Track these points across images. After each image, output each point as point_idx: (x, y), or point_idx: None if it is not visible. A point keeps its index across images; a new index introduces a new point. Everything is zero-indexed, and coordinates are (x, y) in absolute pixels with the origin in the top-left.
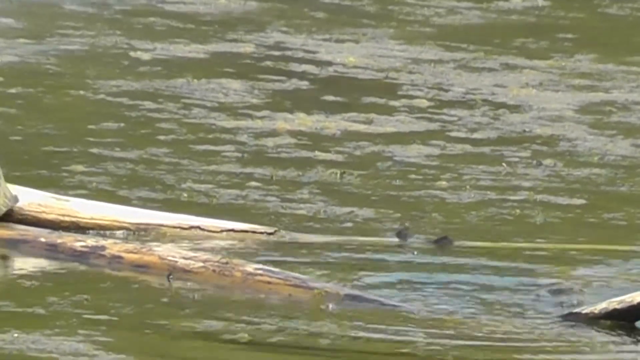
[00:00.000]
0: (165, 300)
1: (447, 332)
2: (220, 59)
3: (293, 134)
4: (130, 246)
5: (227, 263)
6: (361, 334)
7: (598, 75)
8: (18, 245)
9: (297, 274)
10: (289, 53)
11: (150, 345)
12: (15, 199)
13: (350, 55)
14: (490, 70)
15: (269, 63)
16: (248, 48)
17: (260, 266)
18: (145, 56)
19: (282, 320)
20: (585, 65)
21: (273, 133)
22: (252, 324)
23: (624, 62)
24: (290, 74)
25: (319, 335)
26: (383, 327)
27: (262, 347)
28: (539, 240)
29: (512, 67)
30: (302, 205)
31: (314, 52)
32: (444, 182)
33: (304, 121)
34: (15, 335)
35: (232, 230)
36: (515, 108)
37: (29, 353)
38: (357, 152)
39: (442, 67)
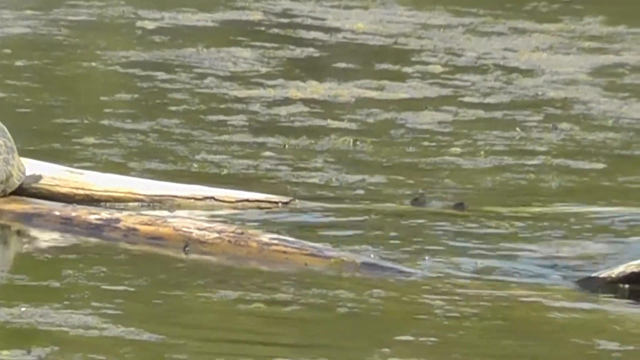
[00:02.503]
0: (180, 271)
1: (464, 298)
2: (228, 27)
3: (306, 102)
4: (145, 218)
5: (242, 233)
6: (378, 301)
7: (608, 38)
8: (32, 219)
9: (313, 243)
10: (297, 20)
11: (161, 317)
12: (38, 178)
13: (359, 21)
14: (500, 34)
15: (278, 30)
16: (256, 15)
17: (276, 236)
18: (153, 26)
19: (298, 290)
20: (595, 28)
21: (285, 102)
22: (268, 294)
23: (633, 24)
24: (300, 42)
25: (335, 304)
26: (400, 294)
27: (278, 317)
28: (555, 204)
29: (521, 31)
30: (314, 174)
31: (322, 19)
32: (457, 148)
33: (316, 89)
34: (23, 309)
35: (247, 200)
36: (527, 72)
37: (38, 327)
38: (370, 120)
39: (451, 32)
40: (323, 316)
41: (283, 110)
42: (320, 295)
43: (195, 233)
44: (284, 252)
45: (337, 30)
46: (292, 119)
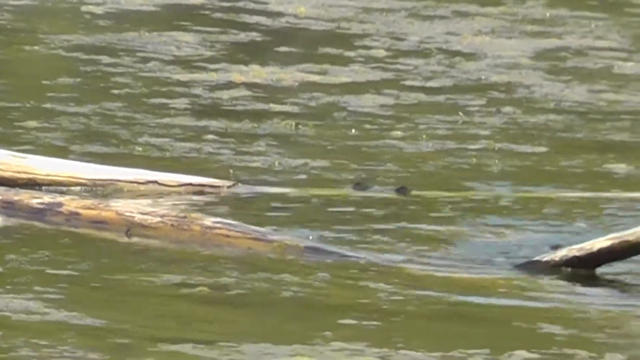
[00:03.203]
0: (123, 255)
1: (408, 282)
2: (171, 12)
3: (248, 86)
4: (87, 202)
5: (185, 217)
6: (322, 285)
7: (550, 21)
8: None
9: (256, 227)
10: (239, 4)
11: (104, 301)
12: None
13: (302, 5)
14: (442, 18)
15: (220, 15)
16: (198, 0)
17: (219, 220)
18: (96, 10)
19: (242, 273)
20: (538, 11)
21: (228, 85)
22: (212, 278)
23: (575, 7)
24: (243, 26)
25: (279, 287)
26: (343, 278)
27: (221, 300)
28: (497, 188)
29: (464, 15)
30: (257, 158)
31: (264, 3)
32: (399, 132)
33: (258, 73)
34: None
35: (190, 184)
36: (470, 56)
37: None
38: (312, 103)
39: (393, 16)
40: (267, 300)
41: (225, 94)
42: (264, 279)
43: (138, 217)
44: (227, 236)
45: (280, 14)
46: (234, 102)
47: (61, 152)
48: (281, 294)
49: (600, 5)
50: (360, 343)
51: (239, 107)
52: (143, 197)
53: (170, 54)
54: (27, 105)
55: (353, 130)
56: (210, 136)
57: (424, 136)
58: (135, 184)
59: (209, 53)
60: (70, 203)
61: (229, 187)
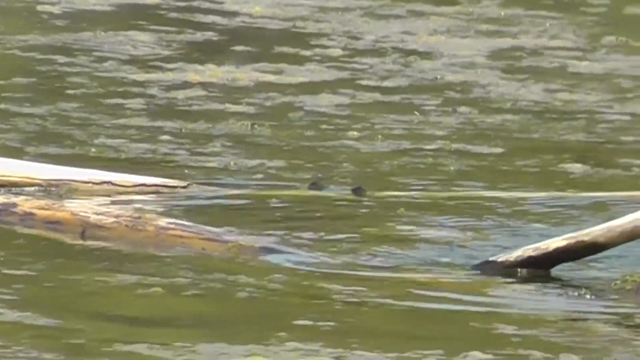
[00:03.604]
0: (78, 255)
1: (364, 283)
2: (126, 11)
3: (204, 85)
4: (42, 202)
5: (139, 218)
6: (277, 286)
7: (505, 21)
8: None
9: (210, 228)
10: (195, 4)
11: (59, 301)
12: None
13: (257, 4)
14: (398, 17)
15: (176, 14)
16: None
17: (173, 220)
18: (52, 9)
19: (197, 274)
20: (493, 11)
21: (183, 85)
22: (167, 278)
23: (530, 6)
24: (199, 26)
25: (234, 288)
26: (299, 279)
27: (177, 301)
28: (453, 188)
29: (419, 14)
30: (212, 158)
31: (220, 3)
32: (355, 132)
33: (214, 73)
34: None
35: (144, 184)
36: (425, 55)
37: None
38: (268, 103)
39: (349, 15)
40: (222, 300)
41: (181, 94)
42: (219, 279)
43: (93, 217)
44: (181, 236)
45: (235, 14)
46: (190, 102)
47: (16, 153)
48: (236, 295)
49: (555, 5)
50: (315, 343)
51: (195, 107)
52: (98, 197)
53: (127, 53)
54: None
55: (309, 131)
56: (165, 137)
57: (380, 136)
58: (90, 185)
59: (165, 53)
60: (24, 203)
61: (183, 187)
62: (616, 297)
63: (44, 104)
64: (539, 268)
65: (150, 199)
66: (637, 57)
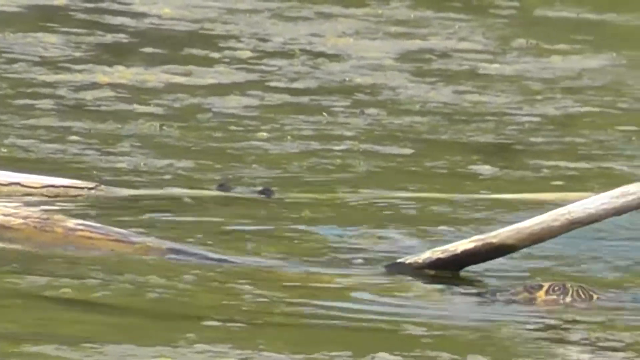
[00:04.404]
0: None
1: (272, 284)
2: (35, 13)
3: (113, 86)
4: None
5: (47, 219)
6: (187, 286)
7: (415, 23)
8: None
9: (118, 229)
10: (103, 5)
11: None
12: None
13: (166, 6)
14: (306, 19)
15: (84, 16)
16: (62, 0)
17: (81, 221)
18: None
19: (107, 275)
20: (402, 13)
21: (92, 86)
22: (77, 279)
23: (440, 8)
24: (108, 27)
25: (144, 289)
26: (209, 280)
27: (86, 302)
28: (361, 189)
29: (327, 16)
30: (121, 159)
31: (128, 4)
32: (264, 133)
33: (123, 74)
34: None
35: (53, 185)
36: (334, 57)
37: None
38: (177, 104)
39: (257, 16)
40: (131, 301)
41: (90, 95)
42: (129, 280)
43: (1, 219)
44: (90, 237)
45: (144, 15)
46: (98, 103)
47: None
48: (146, 296)
49: (464, 7)
50: (223, 345)
51: (103, 108)
52: (6, 198)
53: (36, 55)
54: None
55: (218, 132)
56: (74, 137)
57: (289, 137)
58: None
59: (74, 54)
60: None
61: (91, 188)
62: (523, 298)
63: None
64: (447, 269)
65: (59, 199)
66: (547, 59)
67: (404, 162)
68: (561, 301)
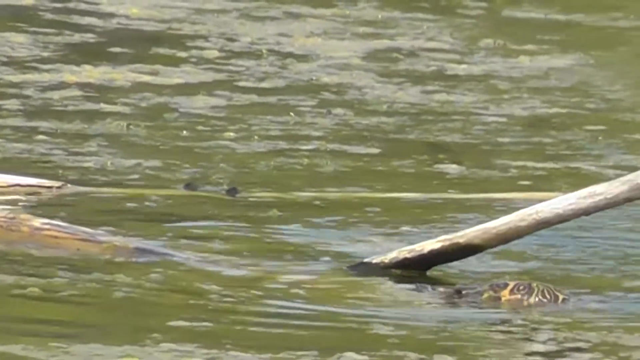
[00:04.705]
0: None
1: (239, 284)
2: (2, 12)
3: (80, 86)
4: None
5: (13, 218)
6: (153, 285)
7: (382, 23)
8: None
9: (85, 228)
10: (71, 5)
11: None
12: None
13: (133, 6)
14: (274, 19)
15: (52, 16)
16: (30, 0)
17: (48, 221)
18: None
19: (74, 274)
20: (369, 13)
21: (60, 86)
22: (44, 278)
23: (407, 9)
24: (75, 27)
25: (111, 288)
26: (176, 279)
27: (53, 301)
28: (329, 189)
29: (295, 16)
30: (89, 158)
31: (96, 4)
32: (232, 133)
33: (91, 73)
34: None
35: (19, 185)
36: (301, 57)
37: None
38: (144, 104)
39: (225, 16)
40: (98, 301)
41: (57, 95)
42: (96, 280)
43: None
44: (56, 237)
45: (112, 15)
46: (66, 103)
47: None
48: (113, 295)
49: (432, 7)
50: (190, 344)
51: (70, 108)
52: None
53: (3, 54)
54: None
55: (185, 131)
56: (41, 137)
57: (256, 137)
58: None
59: (41, 54)
60: None
61: (58, 187)
62: (488, 298)
63: None
64: (414, 269)
65: (26, 199)
66: (515, 59)
67: (371, 162)
68: (525, 301)
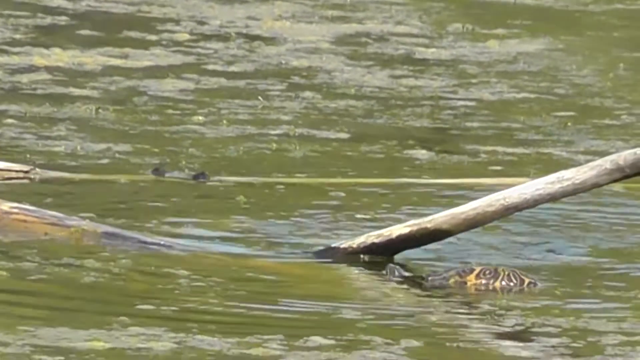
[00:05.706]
0: None
1: (205, 268)
2: None
3: (49, 69)
4: None
5: None
6: (121, 270)
7: (351, 7)
8: None
9: (53, 212)
10: None
11: None
12: None
13: None
14: (243, 2)
15: None
16: None
17: (16, 204)
18: None
19: (43, 259)
20: None
21: (29, 69)
22: (13, 262)
23: None
24: (45, 9)
25: (80, 273)
26: (144, 264)
27: (21, 285)
28: (297, 174)
29: None
30: (58, 142)
31: None
32: (200, 117)
33: (60, 57)
34: None
35: None
36: (270, 40)
37: None
38: (113, 87)
39: (194, 0)
40: (66, 285)
41: (26, 78)
42: (65, 264)
43: None
44: (24, 220)
45: None
46: (34, 86)
47: None
48: (81, 280)
49: None
50: (157, 328)
51: (39, 91)
52: None
53: None
54: None
55: (154, 115)
56: (10, 120)
57: (225, 121)
58: None
59: (11, 36)
60: None
61: (26, 172)
62: (454, 282)
63: None
64: (382, 255)
65: None
66: (483, 44)
67: (340, 147)
68: (491, 285)
